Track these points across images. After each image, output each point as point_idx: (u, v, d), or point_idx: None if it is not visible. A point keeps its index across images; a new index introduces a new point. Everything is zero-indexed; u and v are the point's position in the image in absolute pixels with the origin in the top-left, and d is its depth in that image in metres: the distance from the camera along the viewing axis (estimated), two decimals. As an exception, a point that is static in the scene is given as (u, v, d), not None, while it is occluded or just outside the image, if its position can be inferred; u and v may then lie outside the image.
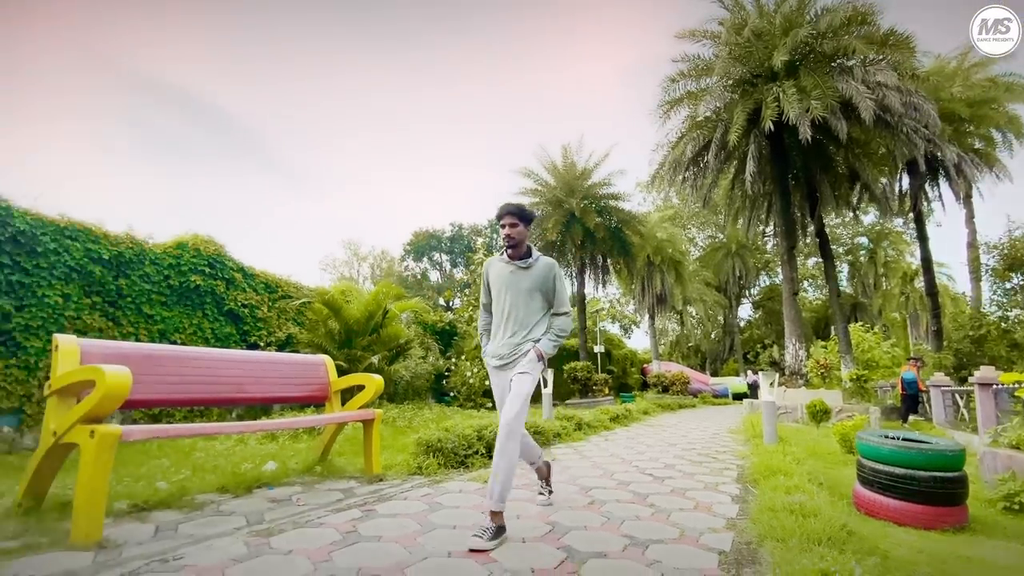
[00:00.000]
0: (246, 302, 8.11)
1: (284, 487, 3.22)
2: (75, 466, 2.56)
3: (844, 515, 2.47)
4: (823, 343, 18.23)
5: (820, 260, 21.22)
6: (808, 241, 18.43)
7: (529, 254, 2.66)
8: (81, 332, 5.89)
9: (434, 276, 46.78)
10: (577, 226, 17.56)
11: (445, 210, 66.29)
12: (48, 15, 33.55)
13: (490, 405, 11.96)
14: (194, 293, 7.31)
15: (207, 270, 7.51)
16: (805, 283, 37.80)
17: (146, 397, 2.67)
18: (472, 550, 2.07)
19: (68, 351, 2.47)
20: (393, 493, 3.07)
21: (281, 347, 8.57)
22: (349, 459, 4.07)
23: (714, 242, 35.49)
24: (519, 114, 59.15)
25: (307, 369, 3.77)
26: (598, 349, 19.99)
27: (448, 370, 12.40)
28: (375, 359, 7.94)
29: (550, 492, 2.96)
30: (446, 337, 13.81)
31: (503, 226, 2.59)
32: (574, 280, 19.67)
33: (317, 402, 3.92)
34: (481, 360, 12.89)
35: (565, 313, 2.67)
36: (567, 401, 14.67)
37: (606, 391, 17.02)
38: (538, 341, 2.57)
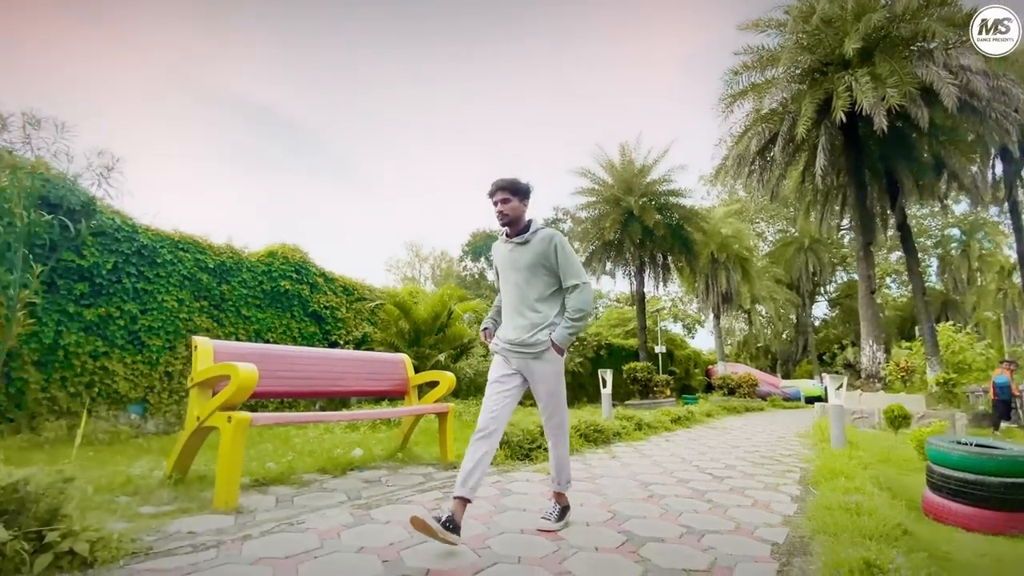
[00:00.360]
0: (327, 304, 8.85)
1: (372, 470, 3.65)
2: (208, 447, 3.11)
3: (903, 516, 2.52)
4: (907, 344, 16.96)
5: (904, 254, 19.71)
6: (890, 234, 17.21)
7: (527, 229, 2.43)
8: (192, 332, 6.74)
9: (491, 276, 47.62)
10: (636, 224, 17.42)
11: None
12: (138, 40, 37.38)
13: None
14: (283, 297, 8.10)
15: (294, 276, 8.29)
16: (888, 279, 35.08)
17: (264, 389, 3.15)
18: (541, 530, 2.34)
19: (205, 350, 2.99)
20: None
21: (358, 345, 9.26)
22: (424, 448, 4.47)
23: (785, 236, 33.71)
24: (575, 112, 58.89)
25: (389, 366, 4.20)
26: (659, 349, 19.69)
27: (508, 369, 12.78)
28: (441, 357, 8.43)
29: (558, 518, 2.41)
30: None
31: (495, 203, 2.41)
32: (632, 279, 19.50)
33: (397, 396, 4.35)
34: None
35: (577, 286, 2.33)
36: (626, 402, 14.64)
37: (667, 393, 16.77)
38: (553, 329, 2.31)
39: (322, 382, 3.54)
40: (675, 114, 57.26)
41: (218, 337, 7.13)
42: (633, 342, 19.83)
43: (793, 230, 32.26)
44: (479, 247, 44.38)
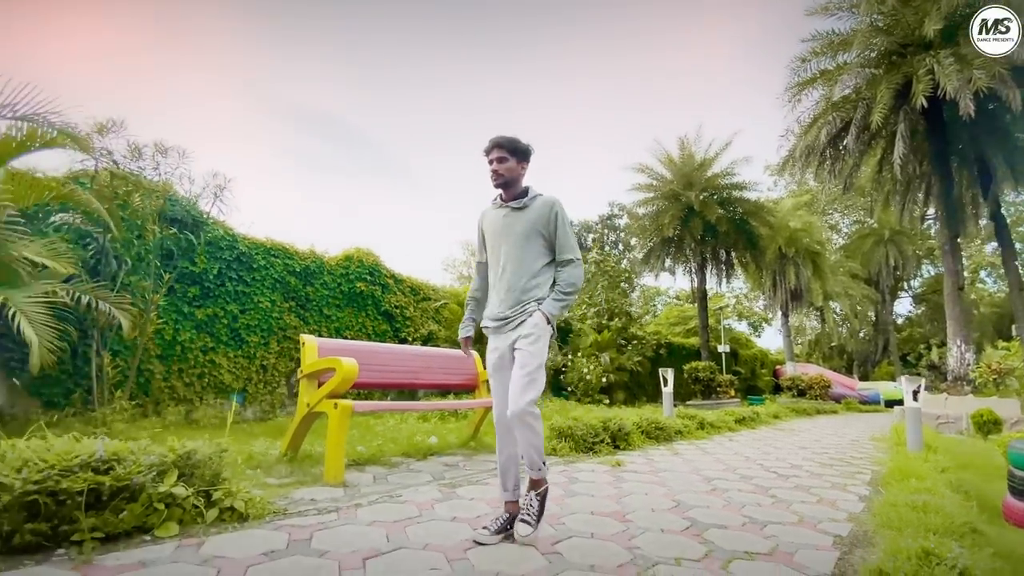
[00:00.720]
0: (397, 304, 9.44)
1: (448, 456, 4.00)
2: (311, 432, 3.57)
3: (975, 517, 2.52)
4: (1004, 344, 15.52)
5: (998, 246, 18.00)
6: (983, 224, 15.80)
7: (525, 194, 2.23)
8: (282, 330, 7.47)
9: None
10: (696, 220, 17.05)
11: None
12: (220, 58, 40.53)
13: (607, 401, 12.31)
14: (359, 297, 8.73)
15: (368, 278, 8.91)
16: (983, 272, 31.96)
17: (359, 380, 3.57)
18: (521, 535, 2.03)
19: (311, 347, 3.44)
20: (536, 468, 3.68)
21: (424, 342, 9.79)
22: (493, 439, 4.79)
23: (862, 228, 31.50)
24: (632, 105, 57.77)
25: (462, 362, 4.55)
26: (722, 348, 19.14)
27: (564, 366, 12.95)
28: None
29: (537, 521, 2.07)
30: (562, 334, 14.38)
31: (490, 162, 2.19)
32: (693, 276, 19.08)
33: (468, 389, 4.70)
34: (597, 356, 13.26)
35: (571, 261, 2.15)
36: (687, 402, 14.41)
37: (731, 393, 16.32)
38: (542, 302, 2.12)
39: (405, 375, 3.93)
40: (738, 104, 54.86)
41: (302, 331, 7.83)
42: (694, 341, 19.39)
43: (871, 221, 30.09)
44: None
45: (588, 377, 12.07)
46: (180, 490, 1.97)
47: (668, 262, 18.99)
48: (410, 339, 9.60)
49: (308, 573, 1.63)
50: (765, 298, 24.80)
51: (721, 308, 24.97)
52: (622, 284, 16.14)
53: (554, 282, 2.19)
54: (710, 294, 22.70)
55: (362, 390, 7.70)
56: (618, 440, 4.77)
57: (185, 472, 2.10)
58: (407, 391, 8.63)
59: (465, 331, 2.47)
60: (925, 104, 10.49)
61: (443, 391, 8.33)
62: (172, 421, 5.70)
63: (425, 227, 62.19)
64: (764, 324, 36.44)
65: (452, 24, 47.20)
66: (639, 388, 15.01)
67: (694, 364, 16.32)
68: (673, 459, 4.47)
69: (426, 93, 54.03)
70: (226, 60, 40.65)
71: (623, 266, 17.02)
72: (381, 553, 1.83)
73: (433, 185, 62.27)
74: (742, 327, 35.46)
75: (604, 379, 12.34)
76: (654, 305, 45.89)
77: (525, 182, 2.27)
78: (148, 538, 1.86)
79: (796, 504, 2.98)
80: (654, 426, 5.51)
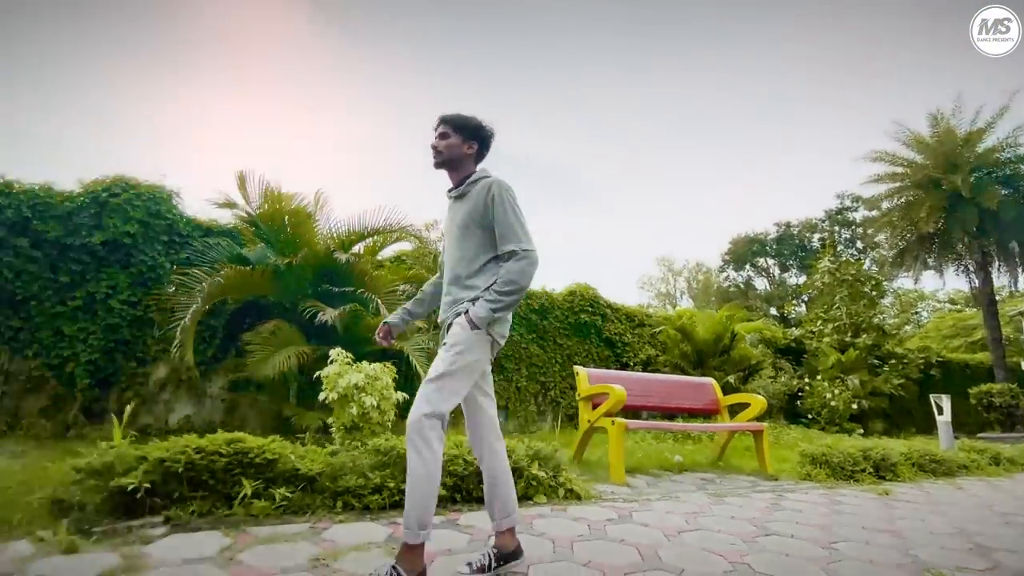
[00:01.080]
0: (616, 331, 10.30)
1: (699, 473, 4.56)
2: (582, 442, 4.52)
3: None
4: None
5: None
6: None
7: (469, 177, 1.94)
8: (528, 357, 8.97)
9: (760, 284, 43.24)
10: (968, 209, 13.98)
11: (768, 209, 60.61)
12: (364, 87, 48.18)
13: (861, 431, 10.92)
14: (583, 327, 9.86)
15: (590, 309, 10.00)
16: None
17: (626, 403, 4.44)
18: None
19: (583, 376, 4.45)
20: (793, 489, 3.98)
21: (644, 366, 10.39)
22: (736, 462, 5.14)
23: None
24: (852, 84, 49.26)
25: (702, 389, 5.09)
26: (1027, 365, 14.93)
27: (800, 390, 11.96)
28: (730, 378, 8.81)
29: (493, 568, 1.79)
30: (793, 354, 13.29)
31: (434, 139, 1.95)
32: (972, 277, 15.50)
33: (709, 414, 5.18)
34: (843, 379, 11.86)
35: (515, 252, 1.76)
36: (979, 435, 11.72)
37: (1048, 423, 12.64)
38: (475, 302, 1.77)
39: (659, 399, 4.67)
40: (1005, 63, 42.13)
41: (542, 360, 9.24)
42: (982, 357, 15.60)
43: None
44: (742, 254, 41.05)
45: (833, 403, 10.97)
46: (541, 473, 3.05)
47: (931, 261, 15.85)
48: (631, 364, 10.31)
49: (641, 533, 2.47)
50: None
51: (1021, 313, 19.36)
52: (868, 292, 14.08)
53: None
54: (1001, 295, 17.96)
55: (634, 411, 8.74)
56: (882, 470, 4.64)
57: (539, 462, 3.19)
58: (657, 414, 9.34)
59: (388, 318, 2.12)
60: None
61: (680, 414, 8.81)
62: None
63: (617, 249, 62.50)
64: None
65: (615, 32, 47.68)
66: (903, 416, 12.84)
67: (985, 387, 13.19)
68: (955, 493, 4.18)
69: (603, 118, 55.21)
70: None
71: (868, 269, 14.76)
72: (686, 530, 2.57)
73: (622, 206, 62.47)
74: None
75: (855, 405, 11.05)
76: (916, 313, 37.62)
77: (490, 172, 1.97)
78: (531, 503, 2.96)
79: None
80: (928, 458, 5.08)
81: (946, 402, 6.06)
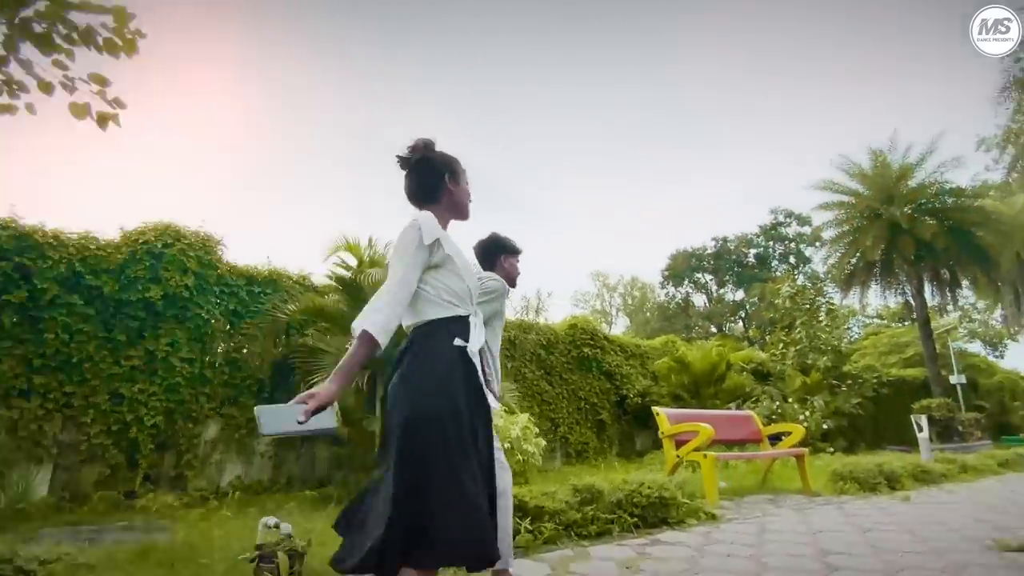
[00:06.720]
0: (614, 363, 11.77)
1: (756, 495, 6.00)
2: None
3: None
4: None
5: None
6: None
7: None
8: (539, 394, 10.13)
9: (700, 300, 46.92)
10: (906, 238, 17.26)
11: (706, 224, 66.63)
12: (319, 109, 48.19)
13: (831, 450, 13.23)
14: (585, 360, 11.22)
15: (591, 342, 11.40)
16: None
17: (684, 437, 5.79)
18: None
19: (663, 416, 5.76)
20: (839, 503, 5.52)
21: (642, 397, 11.93)
22: (781, 482, 6.67)
23: None
24: (798, 113, 56.33)
25: (745, 421, 6.59)
26: (956, 380, 18.52)
27: (775, 413, 14.14)
28: (732, 406, 10.59)
29: None
30: (760, 377, 15.55)
31: None
32: (911, 300, 18.96)
33: (752, 442, 6.70)
34: (810, 401, 14.24)
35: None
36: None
37: (978, 434, 15.94)
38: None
39: (723, 432, 6.08)
40: (941, 99, 50.72)
41: (551, 396, 10.44)
42: (915, 372, 19.06)
43: None
44: (681, 270, 44.79)
45: (806, 424, 13.17)
46: (684, 500, 4.28)
47: (874, 286, 19.17)
48: (630, 395, 11.80)
49: (759, 538, 3.77)
50: (1005, 311, 23.12)
51: (947, 331, 23.67)
52: (821, 315, 16.82)
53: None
54: (932, 313, 21.90)
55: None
56: (891, 482, 6.38)
57: (681, 491, 4.42)
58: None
59: None
60: None
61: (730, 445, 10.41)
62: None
63: (549, 263, 64.93)
64: (1008, 342, 32.82)
65: (565, 39, 50.94)
66: (856, 434, 15.45)
67: (924, 402, 16.28)
68: (951, 496, 5.98)
69: (537, 124, 58.17)
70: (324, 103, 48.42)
71: (825, 298, 17.52)
72: (815, 534, 3.93)
73: (552, 217, 65.23)
74: (975, 347, 32.34)
75: (824, 425, 13.35)
76: (848, 328, 43.22)
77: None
78: (684, 524, 4.17)
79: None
80: (920, 470, 6.95)
81: (924, 421, 8.11)
